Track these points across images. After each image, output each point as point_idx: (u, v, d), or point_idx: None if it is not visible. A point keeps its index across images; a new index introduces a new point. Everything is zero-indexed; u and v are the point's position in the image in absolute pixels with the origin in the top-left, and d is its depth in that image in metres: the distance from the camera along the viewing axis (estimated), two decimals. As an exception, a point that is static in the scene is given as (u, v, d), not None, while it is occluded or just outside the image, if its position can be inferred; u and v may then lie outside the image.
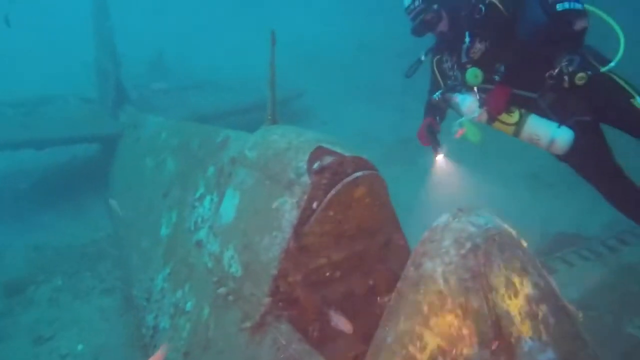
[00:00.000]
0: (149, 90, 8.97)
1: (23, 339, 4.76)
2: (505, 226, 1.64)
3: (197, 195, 3.30)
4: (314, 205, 2.25)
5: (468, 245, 1.56)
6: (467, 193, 5.91)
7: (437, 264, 1.58)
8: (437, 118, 3.88)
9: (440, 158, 3.77)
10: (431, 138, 3.78)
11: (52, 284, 5.44)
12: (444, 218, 1.67)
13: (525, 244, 1.66)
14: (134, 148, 5.75)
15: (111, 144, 6.87)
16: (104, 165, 6.94)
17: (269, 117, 2.95)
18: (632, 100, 3.31)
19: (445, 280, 1.56)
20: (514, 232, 1.65)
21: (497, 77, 3.43)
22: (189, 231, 3.29)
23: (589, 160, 3.57)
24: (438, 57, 3.92)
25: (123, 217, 4.95)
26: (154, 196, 4.26)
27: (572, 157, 3.52)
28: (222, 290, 2.63)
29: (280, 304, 2.38)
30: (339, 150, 2.33)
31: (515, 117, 3.46)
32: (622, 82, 3.37)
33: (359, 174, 2.19)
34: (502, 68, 3.40)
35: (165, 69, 12.75)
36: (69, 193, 7.17)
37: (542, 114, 3.46)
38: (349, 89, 12.37)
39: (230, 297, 2.56)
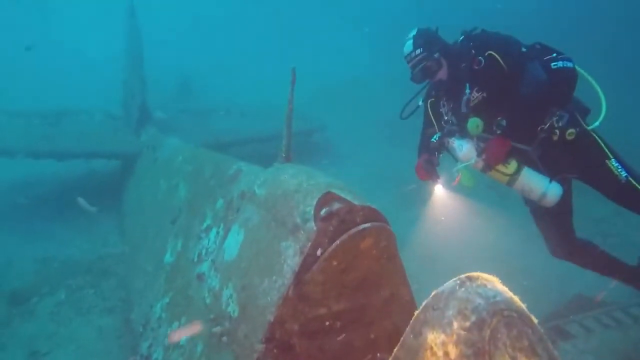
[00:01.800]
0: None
1: (19, 352, 4.71)
2: (516, 301, 1.53)
3: (204, 226, 3.24)
4: (318, 252, 2.16)
5: (473, 318, 1.45)
6: (483, 244, 5.78)
7: (438, 334, 1.48)
8: (436, 153, 3.92)
9: (438, 189, 3.81)
10: (430, 170, 3.81)
11: (55, 298, 5.42)
12: (449, 284, 1.57)
13: (535, 321, 1.55)
14: (150, 169, 5.77)
15: (130, 162, 6.92)
16: (121, 182, 6.98)
17: (283, 155, 2.89)
18: (607, 161, 3.54)
19: (446, 354, 1.45)
20: (524, 308, 1.54)
21: (498, 131, 3.53)
22: (192, 262, 3.23)
23: (555, 214, 3.78)
24: (432, 99, 3.99)
25: (94, 212, 4.92)
26: (163, 221, 4.23)
27: (543, 207, 3.72)
28: (217, 329, 2.54)
29: (275, 350, 2.28)
30: (349, 197, 2.25)
31: (511, 168, 3.59)
32: (601, 143, 3.60)
33: (367, 225, 2.10)
34: (504, 122, 3.49)
35: (190, 92, 13.00)
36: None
37: (534, 166, 3.64)
38: (371, 126, 12.38)
39: (225, 338, 2.46)
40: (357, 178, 9.04)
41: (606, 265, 3.92)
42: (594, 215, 7.34)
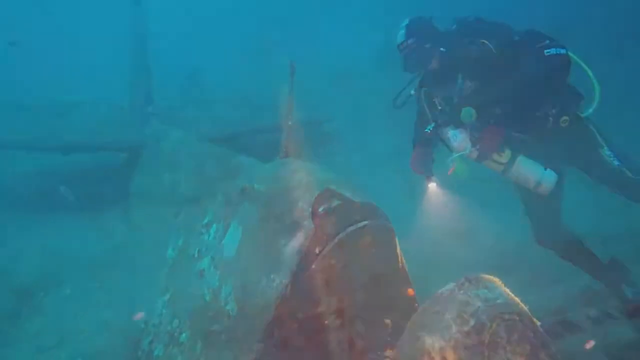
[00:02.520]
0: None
1: (26, 346, 4.73)
2: (519, 303, 1.48)
3: (205, 221, 3.21)
4: (317, 250, 2.12)
5: (472, 322, 1.40)
6: (487, 238, 5.70)
7: (436, 339, 1.43)
8: (431, 146, 3.89)
9: (432, 186, 3.76)
10: (425, 166, 3.78)
11: (61, 292, 5.42)
12: (449, 287, 1.52)
13: (538, 324, 1.49)
14: (155, 161, 5.75)
15: (136, 154, 6.89)
16: (127, 174, 6.95)
17: (284, 150, 2.85)
18: (600, 149, 3.54)
19: (443, 359, 1.40)
20: (527, 311, 1.48)
21: (492, 121, 3.51)
22: (192, 258, 3.20)
23: (545, 201, 3.75)
24: (426, 89, 3.93)
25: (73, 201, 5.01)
26: (166, 214, 4.20)
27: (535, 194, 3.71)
28: (216, 327, 2.52)
29: (273, 349, 2.25)
30: (348, 193, 2.21)
31: (505, 157, 3.57)
32: (594, 130, 3.60)
33: (365, 222, 2.06)
34: (498, 111, 3.48)
35: (199, 83, 12.96)
36: (89, 198, 7.17)
37: (528, 154, 3.60)
38: (381, 116, 12.24)
39: (223, 337, 2.44)
40: (362, 167, 8.99)
41: (585, 260, 3.96)
42: (604, 207, 7.22)
